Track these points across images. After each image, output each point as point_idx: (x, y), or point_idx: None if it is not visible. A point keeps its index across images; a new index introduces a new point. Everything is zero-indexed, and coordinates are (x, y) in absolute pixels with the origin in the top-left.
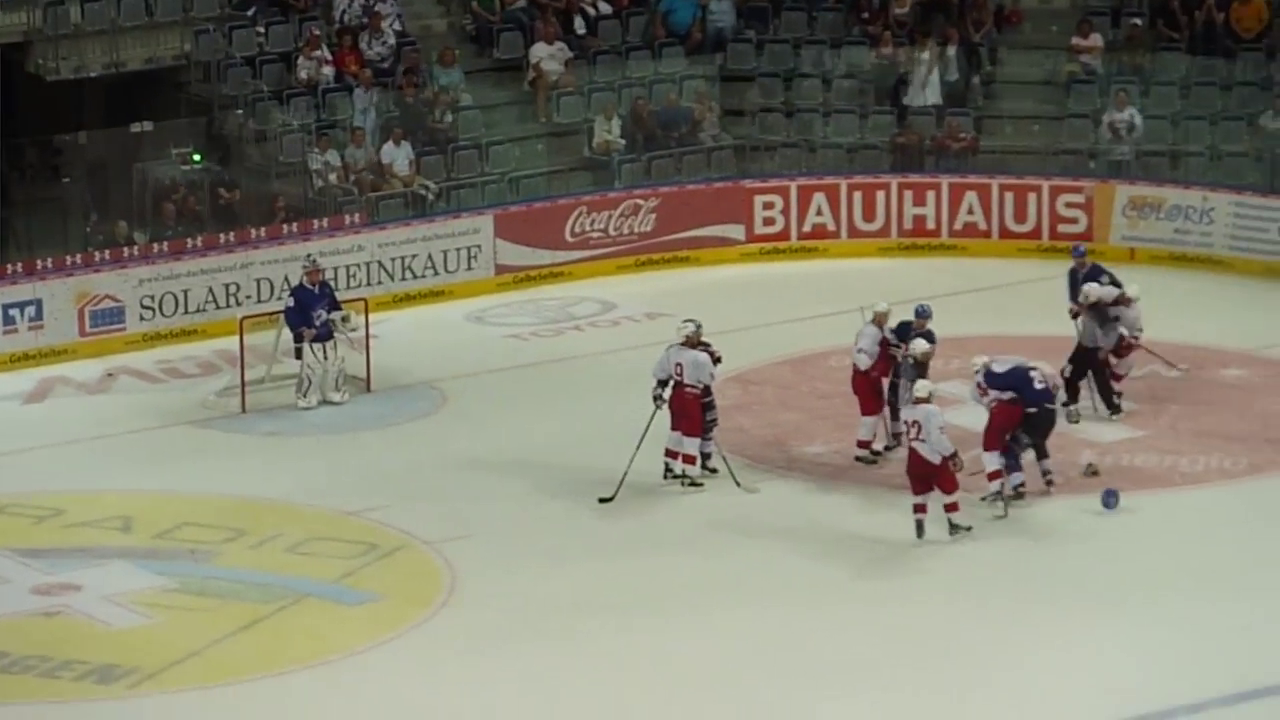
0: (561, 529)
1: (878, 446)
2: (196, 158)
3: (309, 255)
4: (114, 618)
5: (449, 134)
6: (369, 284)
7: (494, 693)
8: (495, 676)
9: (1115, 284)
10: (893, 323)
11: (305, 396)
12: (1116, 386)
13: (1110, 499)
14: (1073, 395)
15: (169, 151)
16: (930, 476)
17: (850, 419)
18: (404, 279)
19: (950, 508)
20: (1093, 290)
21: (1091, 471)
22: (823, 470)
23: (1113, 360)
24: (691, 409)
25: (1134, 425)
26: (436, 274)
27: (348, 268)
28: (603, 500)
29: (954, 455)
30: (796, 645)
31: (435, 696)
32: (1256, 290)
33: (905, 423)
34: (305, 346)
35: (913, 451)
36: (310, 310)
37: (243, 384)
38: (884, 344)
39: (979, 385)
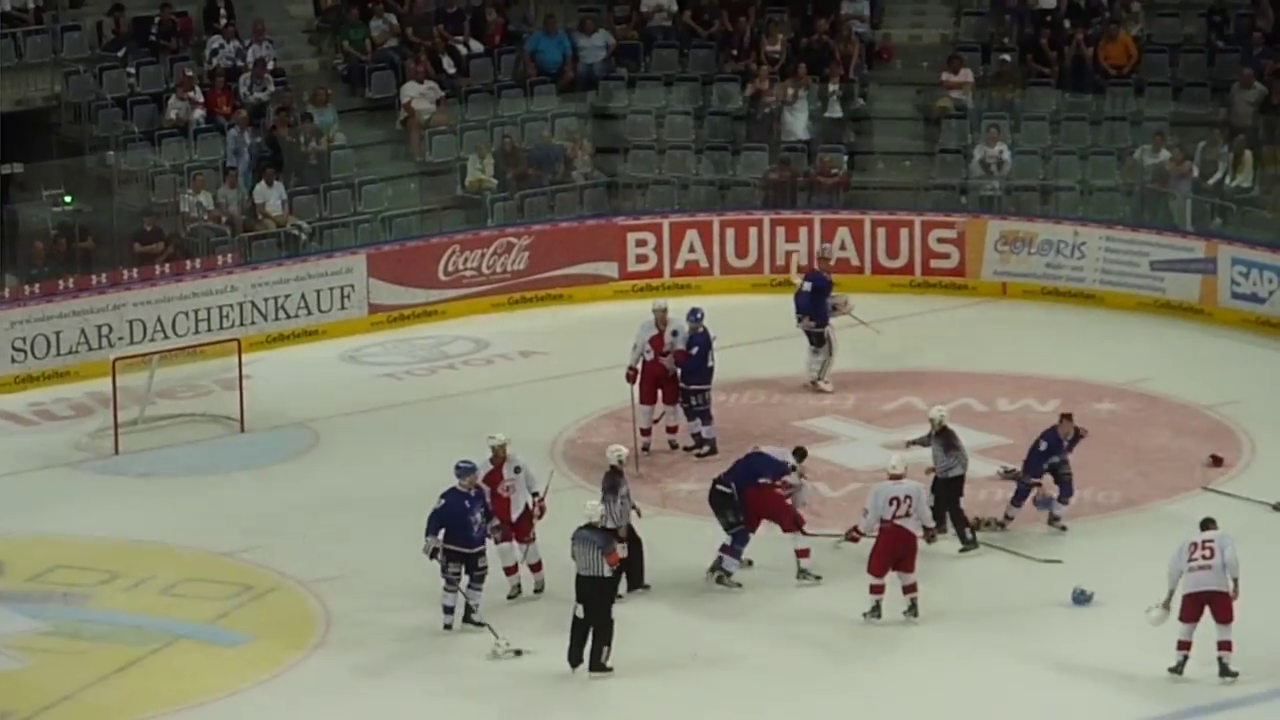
0: (434, 568)
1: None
2: (68, 199)
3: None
4: None
5: (322, 173)
6: (242, 324)
7: None
8: (370, 715)
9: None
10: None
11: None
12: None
13: (1081, 597)
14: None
15: (40, 193)
16: (908, 555)
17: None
18: (277, 319)
19: (912, 589)
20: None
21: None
22: (694, 506)
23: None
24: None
25: (1009, 459)
26: (310, 313)
27: (220, 308)
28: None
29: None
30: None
31: None
32: (1128, 324)
33: (895, 499)
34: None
35: (899, 529)
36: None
37: (115, 425)
38: (656, 341)
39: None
